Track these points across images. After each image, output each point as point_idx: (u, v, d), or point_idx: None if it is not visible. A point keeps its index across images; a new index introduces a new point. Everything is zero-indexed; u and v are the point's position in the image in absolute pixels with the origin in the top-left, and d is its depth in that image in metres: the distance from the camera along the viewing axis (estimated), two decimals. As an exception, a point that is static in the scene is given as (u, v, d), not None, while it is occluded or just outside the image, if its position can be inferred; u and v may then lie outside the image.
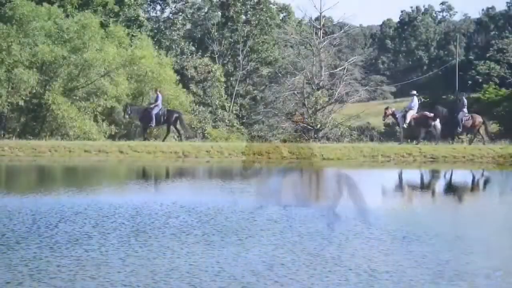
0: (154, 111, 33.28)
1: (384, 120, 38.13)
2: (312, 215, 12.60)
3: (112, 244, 9.46)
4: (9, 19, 42.04)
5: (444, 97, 67.79)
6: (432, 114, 33.41)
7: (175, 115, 34.00)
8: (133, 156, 29.01)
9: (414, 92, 35.34)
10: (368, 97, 61.24)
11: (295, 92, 54.58)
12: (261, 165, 26.50)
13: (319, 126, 52.21)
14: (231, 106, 61.14)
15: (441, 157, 29.58)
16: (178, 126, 34.15)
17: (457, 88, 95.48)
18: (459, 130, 33.58)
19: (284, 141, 45.62)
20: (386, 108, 36.10)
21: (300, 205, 13.98)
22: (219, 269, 8.04)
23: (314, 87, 54.35)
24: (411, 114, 33.60)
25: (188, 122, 49.68)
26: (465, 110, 33.56)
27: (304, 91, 53.90)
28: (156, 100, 33.97)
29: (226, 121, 58.16)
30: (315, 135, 50.73)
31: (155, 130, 38.89)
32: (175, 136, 35.86)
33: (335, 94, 53.99)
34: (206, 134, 52.55)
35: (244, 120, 62.16)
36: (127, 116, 35.02)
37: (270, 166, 26.58)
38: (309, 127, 52.82)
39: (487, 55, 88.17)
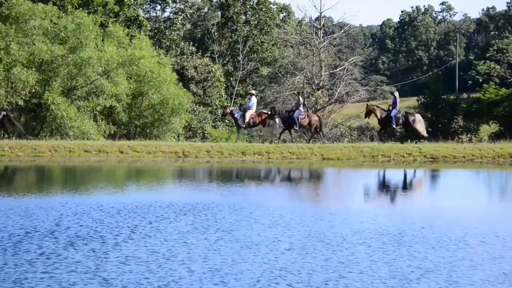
0: None
1: (224, 118, 39.41)
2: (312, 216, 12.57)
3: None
4: (6, 18, 41.92)
5: (444, 97, 67.73)
6: (269, 113, 34.40)
7: (3, 113, 34.14)
8: (133, 156, 28.99)
9: (253, 92, 36.80)
10: (368, 97, 61.25)
11: (295, 92, 54.54)
12: None
13: (319, 126, 52.14)
14: (231, 106, 61.10)
15: (441, 157, 29.57)
16: (6, 124, 34.43)
17: (457, 88, 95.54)
18: (296, 127, 34.72)
19: (284, 141, 45.52)
20: (225, 108, 37.03)
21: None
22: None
23: (314, 87, 54.33)
24: (250, 114, 34.36)
25: (188, 122, 49.81)
26: (301, 109, 34.52)
27: (304, 91, 53.88)
28: None
29: (226, 121, 58.12)
30: (315, 135, 50.59)
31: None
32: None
33: (335, 94, 53.99)
34: (206, 134, 52.51)
35: (244, 120, 62.07)
36: None
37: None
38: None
39: (487, 55, 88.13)
